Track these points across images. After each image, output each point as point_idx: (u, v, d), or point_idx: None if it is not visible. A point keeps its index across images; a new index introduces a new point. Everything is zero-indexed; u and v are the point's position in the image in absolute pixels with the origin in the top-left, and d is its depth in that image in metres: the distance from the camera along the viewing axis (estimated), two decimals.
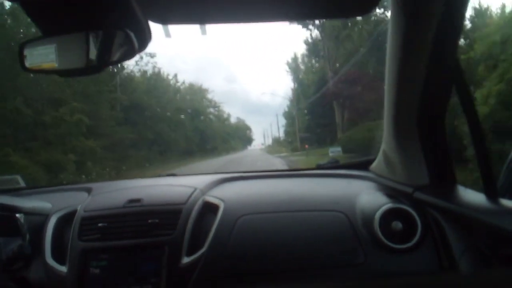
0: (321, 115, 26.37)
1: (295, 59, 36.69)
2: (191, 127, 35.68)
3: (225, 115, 60.95)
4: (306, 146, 25.61)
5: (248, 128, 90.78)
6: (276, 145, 57.07)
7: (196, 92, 44.11)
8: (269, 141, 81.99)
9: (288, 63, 37.15)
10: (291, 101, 39.36)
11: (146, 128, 25.55)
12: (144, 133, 24.99)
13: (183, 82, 41.31)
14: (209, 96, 47.45)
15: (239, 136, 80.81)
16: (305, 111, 31.84)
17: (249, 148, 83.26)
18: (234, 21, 1.02)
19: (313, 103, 27.66)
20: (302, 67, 36.31)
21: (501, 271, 0.90)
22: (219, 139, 47.92)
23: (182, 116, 34.36)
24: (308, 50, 30.45)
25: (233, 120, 75.75)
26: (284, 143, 46.80)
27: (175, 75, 37.63)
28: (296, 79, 36.11)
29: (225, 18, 1.00)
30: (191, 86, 43.43)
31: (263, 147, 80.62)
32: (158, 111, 28.90)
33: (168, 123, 29.67)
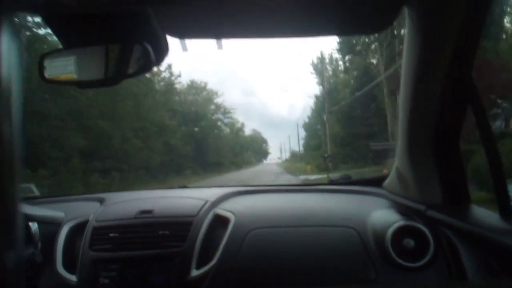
0: (361, 122, 22.33)
1: (321, 59, 32.21)
2: (182, 134, 27.19)
3: (239, 125, 54.94)
4: (330, 163, 21.55)
5: (264, 141, 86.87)
6: (293, 160, 52.92)
7: (198, 92, 35.73)
8: (286, 155, 78.58)
9: (313, 64, 33.03)
10: (314, 109, 37.79)
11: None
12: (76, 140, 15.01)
13: (179, 75, 34.27)
14: (218, 100, 38.50)
15: (254, 149, 76.43)
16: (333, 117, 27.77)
17: (265, 162, 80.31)
18: (250, 37, 1.03)
19: (348, 107, 23.93)
20: (329, 68, 32.39)
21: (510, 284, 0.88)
22: (228, 152, 41.01)
23: (165, 121, 24.37)
24: (341, 46, 26.67)
25: (248, 131, 71.59)
26: (305, 158, 40.43)
27: (169, 66, 27.48)
28: (321, 82, 31.75)
29: (241, 34, 1.01)
30: (193, 84, 35.11)
31: (279, 161, 77.44)
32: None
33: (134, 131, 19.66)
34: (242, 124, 58.92)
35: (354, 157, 22.09)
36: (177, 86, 30.55)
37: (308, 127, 45.17)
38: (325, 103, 28.58)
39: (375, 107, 22.71)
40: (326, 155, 24.47)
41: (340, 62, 30.60)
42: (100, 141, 16.82)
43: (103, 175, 15.84)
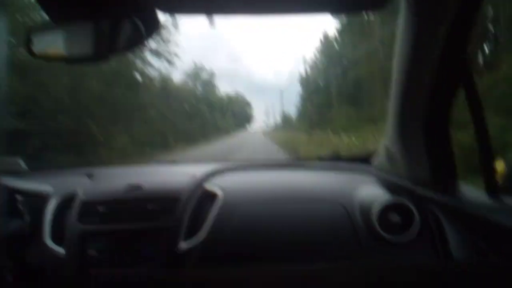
0: None
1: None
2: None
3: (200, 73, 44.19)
4: None
5: (247, 103, 74.42)
6: (288, 128, 41.91)
7: None
8: (274, 121, 65.33)
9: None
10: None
11: None
12: None
13: None
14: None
15: (233, 112, 63.46)
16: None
17: (249, 129, 68.51)
18: (244, 13, 1.01)
19: None
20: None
21: (495, 261, 0.91)
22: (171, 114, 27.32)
23: None
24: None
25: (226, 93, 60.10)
26: (301, 125, 33.92)
27: None
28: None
29: (234, 10, 1.00)
30: None
31: (266, 128, 64.65)
32: None
33: None
34: (210, 74, 47.52)
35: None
36: None
37: (307, 81, 38.30)
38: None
39: None
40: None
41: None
42: None
43: None
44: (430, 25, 1.12)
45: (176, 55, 26.16)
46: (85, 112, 15.06)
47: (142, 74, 22.92)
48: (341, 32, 28.92)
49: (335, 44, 30.88)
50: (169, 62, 25.98)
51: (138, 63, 22.16)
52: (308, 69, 34.27)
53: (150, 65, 23.80)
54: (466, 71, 1.17)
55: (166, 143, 22.84)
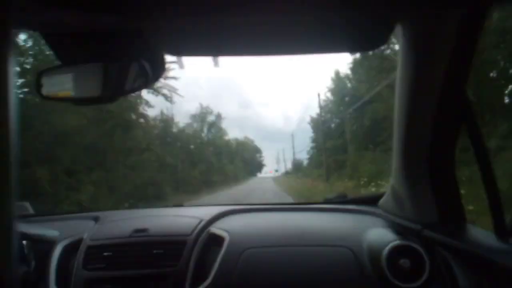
0: None
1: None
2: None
3: (210, 118, 40.31)
4: None
5: (258, 151, 70.73)
6: (295, 175, 41.13)
7: None
8: (285, 168, 62.57)
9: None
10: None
11: None
12: None
13: None
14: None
15: (244, 159, 58.05)
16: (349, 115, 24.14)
17: (259, 176, 65.97)
18: (247, 54, 1.04)
19: None
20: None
21: None
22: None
23: None
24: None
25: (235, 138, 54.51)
26: (310, 170, 33.52)
27: None
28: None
29: (238, 51, 1.02)
30: None
31: (277, 174, 62.69)
32: None
33: None
34: (218, 115, 42.42)
35: None
36: None
37: (317, 124, 34.19)
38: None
39: None
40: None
41: None
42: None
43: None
44: (429, 62, 1.14)
45: (175, 91, 22.31)
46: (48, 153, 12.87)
47: (136, 111, 19.57)
48: (353, 68, 26.83)
49: (347, 81, 29.09)
50: (167, 98, 22.20)
51: (131, 97, 17.98)
52: (319, 111, 30.06)
53: (147, 103, 20.25)
54: (468, 108, 1.17)
55: (160, 195, 18.99)
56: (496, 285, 1.04)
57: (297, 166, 47.22)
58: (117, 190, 15.93)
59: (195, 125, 38.34)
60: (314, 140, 37.64)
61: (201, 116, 39.74)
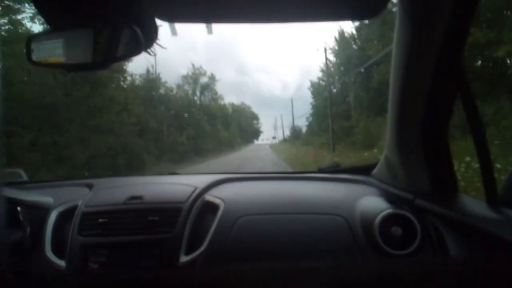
0: None
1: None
2: None
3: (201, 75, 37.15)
4: None
5: (255, 117, 67.45)
6: (294, 143, 37.55)
7: None
8: (282, 134, 59.05)
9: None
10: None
11: None
12: None
13: None
14: None
15: (241, 126, 55.76)
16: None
17: (256, 143, 64.13)
18: (241, 21, 1.02)
19: None
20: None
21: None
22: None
23: None
24: None
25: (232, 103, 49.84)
26: (310, 138, 30.69)
27: None
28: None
29: (231, 18, 1.00)
30: None
31: (274, 141, 59.80)
32: None
33: None
34: (211, 77, 39.28)
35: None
36: None
37: (317, 89, 32.16)
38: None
39: None
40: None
41: None
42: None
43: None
44: (425, 32, 1.13)
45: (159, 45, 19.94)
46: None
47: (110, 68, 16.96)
48: (360, 27, 24.58)
49: (352, 42, 26.61)
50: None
51: None
52: (325, 68, 27.04)
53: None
54: (462, 79, 1.17)
55: (134, 164, 16.50)
56: (487, 254, 1.06)
57: (295, 133, 43.80)
58: (69, 159, 13.70)
59: (186, 87, 36.16)
60: (314, 107, 34.99)
61: (193, 77, 36.80)
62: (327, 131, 24.85)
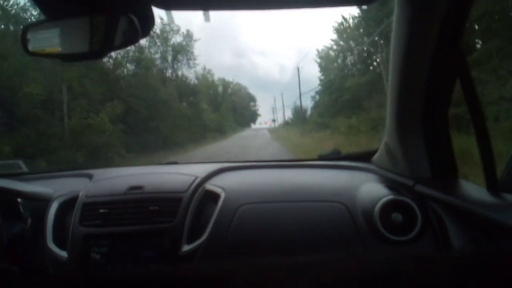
0: None
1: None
2: None
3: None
4: None
5: (252, 99, 57.72)
6: (300, 127, 28.03)
7: None
8: (283, 116, 50.06)
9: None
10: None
11: None
12: None
13: None
14: None
15: (236, 107, 46.25)
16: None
17: (253, 127, 56.88)
18: (238, 8, 1.01)
19: None
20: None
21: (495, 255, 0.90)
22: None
23: None
24: None
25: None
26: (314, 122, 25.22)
27: None
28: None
29: (229, 5, 1.00)
30: None
31: (274, 125, 52.56)
32: None
33: None
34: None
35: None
36: None
37: (327, 59, 25.92)
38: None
39: None
40: None
41: None
42: None
43: None
44: (424, 18, 1.12)
45: None
46: None
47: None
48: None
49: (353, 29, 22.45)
50: None
51: None
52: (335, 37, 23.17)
53: None
54: (462, 65, 1.16)
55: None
56: (487, 239, 1.06)
57: (301, 114, 33.45)
58: None
59: (152, 51, 23.80)
60: (324, 83, 27.13)
61: (163, 36, 25.22)
62: (341, 112, 20.33)
